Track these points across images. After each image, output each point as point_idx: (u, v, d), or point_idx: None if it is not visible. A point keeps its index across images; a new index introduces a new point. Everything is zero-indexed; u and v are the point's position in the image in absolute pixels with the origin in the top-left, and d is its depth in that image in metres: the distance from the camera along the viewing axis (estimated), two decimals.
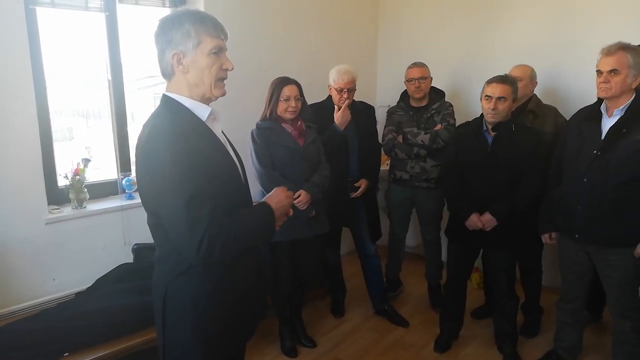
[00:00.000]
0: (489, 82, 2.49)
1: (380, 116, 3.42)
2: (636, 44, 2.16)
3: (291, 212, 1.53)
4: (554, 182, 2.45)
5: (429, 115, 3.13)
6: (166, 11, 2.97)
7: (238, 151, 1.56)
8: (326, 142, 2.79)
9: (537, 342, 2.90)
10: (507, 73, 2.69)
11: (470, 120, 2.71)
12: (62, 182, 2.63)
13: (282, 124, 2.59)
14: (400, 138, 3.14)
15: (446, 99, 3.25)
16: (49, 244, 2.49)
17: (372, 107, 3.24)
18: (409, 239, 3.53)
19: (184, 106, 1.38)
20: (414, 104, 3.19)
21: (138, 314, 2.23)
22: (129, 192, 2.80)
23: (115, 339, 2.20)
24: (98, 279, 2.55)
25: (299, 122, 2.62)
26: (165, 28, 1.35)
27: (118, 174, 2.85)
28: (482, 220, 2.51)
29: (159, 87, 2.89)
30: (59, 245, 2.53)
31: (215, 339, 1.44)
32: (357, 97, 3.01)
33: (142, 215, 1.43)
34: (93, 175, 2.76)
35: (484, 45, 3.66)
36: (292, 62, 3.43)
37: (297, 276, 2.74)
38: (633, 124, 2.11)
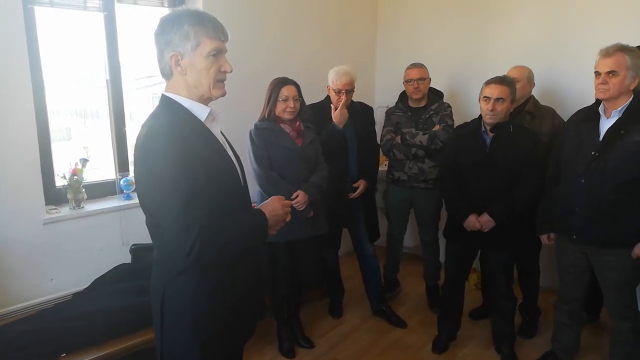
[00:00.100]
0: (488, 83, 2.50)
1: (379, 117, 3.42)
2: (634, 45, 2.16)
3: (289, 217, 1.53)
4: (551, 183, 2.45)
5: (427, 116, 3.13)
6: (165, 11, 2.96)
7: (237, 152, 1.55)
8: (325, 142, 2.79)
9: (534, 343, 2.90)
10: (505, 74, 2.70)
11: (469, 121, 2.71)
12: (59, 182, 2.62)
13: (281, 125, 2.59)
14: (398, 139, 3.14)
15: (445, 100, 3.26)
16: (47, 244, 2.48)
17: (371, 107, 3.24)
18: (407, 239, 3.53)
19: (182, 106, 1.38)
20: (412, 104, 3.19)
21: (136, 315, 2.22)
22: (127, 192, 2.79)
23: (113, 339, 2.19)
24: (96, 279, 2.55)
25: (298, 123, 2.62)
26: (165, 28, 1.34)
27: (116, 174, 2.85)
28: (480, 221, 2.52)
29: (157, 87, 2.88)
30: (57, 245, 2.52)
31: (214, 339, 1.43)
32: (355, 97, 3.01)
33: (140, 215, 1.42)
34: (91, 176, 2.75)
35: (483, 46, 3.67)
36: (291, 62, 3.43)
37: (295, 277, 2.74)
38: (631, 125, 2.11)
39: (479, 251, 2.74)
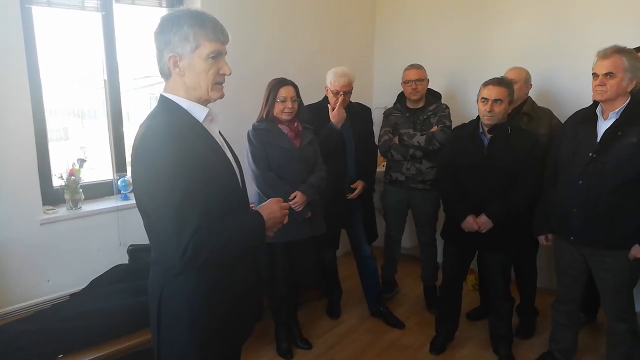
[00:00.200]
0: (485, 84, 2.50)
1: (377, 117, 3.43)
2: (634, 46, 2.17)
3: (286, 220, 1.53)
4: (549, 184, 2.46)
5: (425, 116, 3.13)
6: (163, 11, 2.95)
7: (235, 152, 1.55)
8: (323, 142, 2.79)
9: (532, 344, 2.91)
10: (502, 75, 2.70)
11: (467, 122, 2.72)
12: (57, 182, 2.61)
13: (279, 125, 2.59)
14: (396, 139, 3.15)
15: (443, 101, 3.26)
16: (44, 244, 2.47)
17: (369, 108, 3.24)
18: (404, 240, 3.54)
19: (181, 107, 1.38)
20: (410, 105, 3.19)
21: (134, 315, 2.22)
22: (125, 192, 2.78)
23: (111, 340, 2.19)
24: (93, 280, 2.54)
25: (296, 124, 2.62)
26: (165, 28, 1.33)
27: (113, 174, 2.84)
28: (478, 222, 2.52)
29: (155, 88, 2.88)
30: (54, 246, 2.51)
31: (212, 340, 1.43)
32: (353, 98, 3.01)
33: (138, 216, 1.42)
34: (88, 176, 2.74)
35: (481, 47, 3.68)
36: (289, 63, 3.43)
37: (293, 277, 2.74)
38: (628, 127, 2.12)
39: (477, 252, 2.75)
